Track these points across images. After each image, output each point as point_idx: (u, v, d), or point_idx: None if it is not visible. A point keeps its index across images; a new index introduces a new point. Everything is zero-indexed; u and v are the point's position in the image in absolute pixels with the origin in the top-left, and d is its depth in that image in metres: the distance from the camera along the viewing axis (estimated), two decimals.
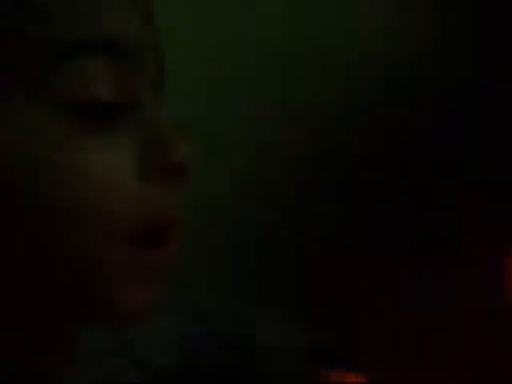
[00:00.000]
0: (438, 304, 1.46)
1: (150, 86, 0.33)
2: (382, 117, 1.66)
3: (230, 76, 1.38)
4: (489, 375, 1.20)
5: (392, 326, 1.35)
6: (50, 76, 0.28)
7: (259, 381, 0.47)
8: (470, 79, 1.71)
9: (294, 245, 1.57)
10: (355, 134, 1.64)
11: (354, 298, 1.55)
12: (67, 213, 0.28)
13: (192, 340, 0.48)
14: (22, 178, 0.28)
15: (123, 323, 0.31)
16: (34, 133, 0.28)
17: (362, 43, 1.58)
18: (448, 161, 1.67)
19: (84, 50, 0.29)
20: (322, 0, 1.51)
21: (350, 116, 1.64)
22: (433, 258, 1.55)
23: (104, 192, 0.29)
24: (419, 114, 1.66)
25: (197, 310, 0.52)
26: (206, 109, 1.34)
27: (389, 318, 1.39)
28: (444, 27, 1.70)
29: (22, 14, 0.28)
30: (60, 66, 0.28)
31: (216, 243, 1.30)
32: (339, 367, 0.59)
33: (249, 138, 1.45)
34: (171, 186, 0.31)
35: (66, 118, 0.29)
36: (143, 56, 0.32)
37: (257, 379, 0.47)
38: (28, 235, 0.28)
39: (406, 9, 1.67)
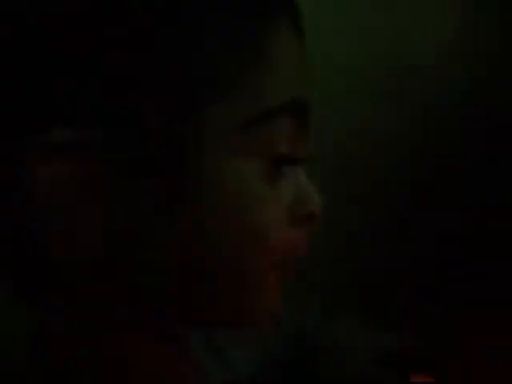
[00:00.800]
0: None
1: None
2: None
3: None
4: None
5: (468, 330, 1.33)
6: (248, 135, 0.34)
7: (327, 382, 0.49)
8: None
9: (371, 249, 1.57)
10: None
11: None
12: (241, 236, 0.35)
13: (270, 349, 0.51)
14: (225, 206, 0.34)
15: (257, 327, 0.38)
16: (233, 179, 0.34)
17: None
18: None
19: (276, 113, 0.35)
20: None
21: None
22: None
23: (266, 232, 0.35)
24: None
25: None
26: None
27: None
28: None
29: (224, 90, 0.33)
30: (255, 127, 0.34)
31: None
32: (413, 370, 0.59)
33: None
34: (304, 229, 0.38)
35: (256, 169, 0.35)
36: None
37: (324, 381, 0.49)
38: (210, 250, 0.34)
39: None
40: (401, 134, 1.66)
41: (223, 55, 0.33)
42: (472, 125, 1.76)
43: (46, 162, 0.31)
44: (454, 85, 1.73)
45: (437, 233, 1.72)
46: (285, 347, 0.53)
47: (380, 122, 1.62)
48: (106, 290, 0.34)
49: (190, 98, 0.32)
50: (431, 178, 1.72)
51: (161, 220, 0.33)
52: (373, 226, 1.63)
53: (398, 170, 1.67)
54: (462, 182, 1.76)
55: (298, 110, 0.36)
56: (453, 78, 1.72)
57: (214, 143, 0.33)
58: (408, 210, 1.69)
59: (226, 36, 0.33)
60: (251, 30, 0.34)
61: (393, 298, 1.60)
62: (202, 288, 0.35)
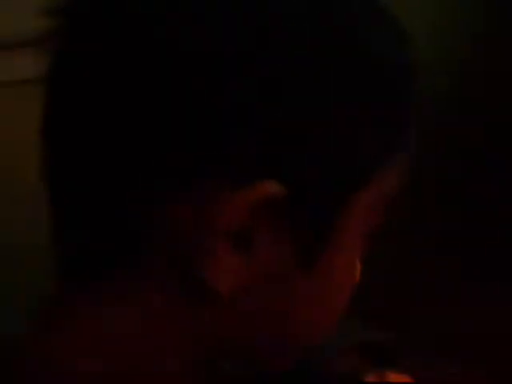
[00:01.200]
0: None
1: None
2: None
3: None
4: None
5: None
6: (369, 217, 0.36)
7: (309, 376, 0.50)
8: None
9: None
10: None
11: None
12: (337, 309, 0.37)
13: None
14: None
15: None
16: (352, 259, 0.36)
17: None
18: None
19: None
20: None
21: None
22: None
23: (348, 290, 0.37)
24: None
25: None
26: None
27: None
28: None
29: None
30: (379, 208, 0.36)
31: None
32: (389, 367, 0.60)
33: None
34: None
35: (360, 246, 0.36)
36: None
37: (307, 375, 0.50)
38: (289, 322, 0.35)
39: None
40: None
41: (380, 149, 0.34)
42: (471, 125, 1.76)
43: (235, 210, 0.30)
44: (453, 85, 1.73)
45: (437, 233, 1.72)
46: None
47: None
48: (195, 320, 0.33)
49: (352, 179, 0.33)
50: (431, 177, 1.72)
51: (289, 279, 0.33)
52: None
53: None
54: (461, 182, 1.76)
55: None
56: (451, 78, 1.72)
57: (355, 221, 0.34)
58: (408, 210, 1.69)
59: (382, 129, 0.34)
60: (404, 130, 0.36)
61: (392, 298, 1.60)
62: (293, 344, 0.37)
